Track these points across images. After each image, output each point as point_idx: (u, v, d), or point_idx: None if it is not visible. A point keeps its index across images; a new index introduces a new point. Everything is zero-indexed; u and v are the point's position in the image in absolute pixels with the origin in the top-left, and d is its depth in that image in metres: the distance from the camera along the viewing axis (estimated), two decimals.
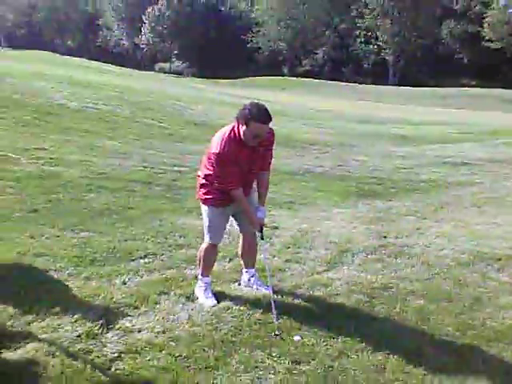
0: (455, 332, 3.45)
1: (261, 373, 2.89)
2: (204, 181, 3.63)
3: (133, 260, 4.36)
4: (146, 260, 4.38)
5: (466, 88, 49.90)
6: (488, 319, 3.63)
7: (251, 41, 68.46)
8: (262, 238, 3.72)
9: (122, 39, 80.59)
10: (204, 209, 3.71)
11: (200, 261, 3.79)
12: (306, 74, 62.23)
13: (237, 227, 3.93)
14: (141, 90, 16.95)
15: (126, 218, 5.47)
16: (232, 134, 3.41)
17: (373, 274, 4.36)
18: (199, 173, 3.72)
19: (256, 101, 3.54)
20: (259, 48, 69.52)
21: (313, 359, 3.05)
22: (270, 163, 3.71)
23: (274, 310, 3.42)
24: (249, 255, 3.91)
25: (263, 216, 3.68)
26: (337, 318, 3.53)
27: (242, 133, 3.37)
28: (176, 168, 8.18)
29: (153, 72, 62.26)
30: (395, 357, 3.08)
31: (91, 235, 4.82)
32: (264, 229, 3.73)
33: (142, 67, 65.11)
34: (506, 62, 57.23)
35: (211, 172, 3.53)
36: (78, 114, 10.73)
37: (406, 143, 14.68)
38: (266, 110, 3.35)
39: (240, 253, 3.96)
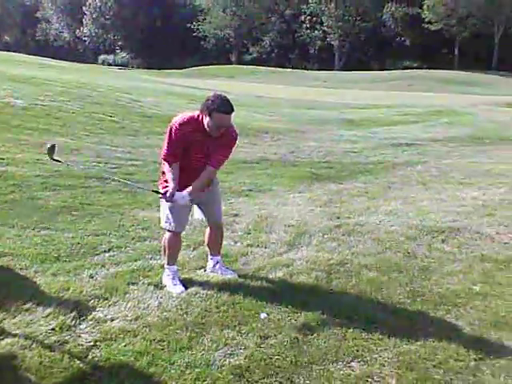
0: (406, 299, 3.77)
1: (232, 349, 3.09)
2: (163, 169, 3.77)
3: (97, 254, 4.44)
4: (111, 253, 4.48)
5: (409, 70, 51.48)
6: (434, 286, 3.97)
7: (197, 29, 67.81)
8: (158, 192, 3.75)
9: (62, 32, 77.93)
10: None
11: (165, 250, 3.92)
12: (253, 62, 62.44)
13: (204, 218, 4.05)
14: (87, 84, 16.59)
15: (85, 214, 5.51)
16: (195, 116, 3.57)
17: (329, 252, 4.64)
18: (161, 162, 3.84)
19: (218, 92, 3.69)
20: (206, 36, 69.00)
21: (279, 333, 3.27)
22: (219, 161, 3.70)
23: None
24: (215, 243, 4.08)
25: (177, 199, 3.60)
26: (299, 295, 3.78)
27: (205, 124, 3.52)
28: (130, 162, 8.19)
29: (96, 64, 60.73)
30: (354, 325, 3.35)
31: (53, 233, 4.85)
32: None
33: (86, 60, 63.31)
34: (445, 43, 59.41)
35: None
36: (24, 111, 10.45)
37: (353, 127, 15.15)
38: (227, 100, 3.52)
39: (206, 241, 4.11)
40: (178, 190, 3.62)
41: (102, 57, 72.64)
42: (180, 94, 19.41)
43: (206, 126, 3.54)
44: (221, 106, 3.49)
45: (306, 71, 53.47)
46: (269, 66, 55.44)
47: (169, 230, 3.86)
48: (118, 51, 74.71)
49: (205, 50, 69.43)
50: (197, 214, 4.02)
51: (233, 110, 3.56)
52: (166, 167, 3.68)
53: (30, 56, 35.62)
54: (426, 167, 8.95)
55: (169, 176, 3.64)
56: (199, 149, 3.64)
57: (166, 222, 3.84)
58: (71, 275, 3.97)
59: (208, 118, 3.51)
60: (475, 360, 2.98)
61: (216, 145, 3.64)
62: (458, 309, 3.61)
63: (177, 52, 68.43)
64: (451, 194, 6.89)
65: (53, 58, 42.95)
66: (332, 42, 63.74)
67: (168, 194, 3.60)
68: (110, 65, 66.03)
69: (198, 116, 3.59)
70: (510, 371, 2.89)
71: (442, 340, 3.16)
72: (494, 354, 3.03)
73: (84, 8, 70.65)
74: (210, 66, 53.14)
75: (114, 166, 7.77)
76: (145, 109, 13.41)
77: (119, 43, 75.23)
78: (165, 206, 3.81)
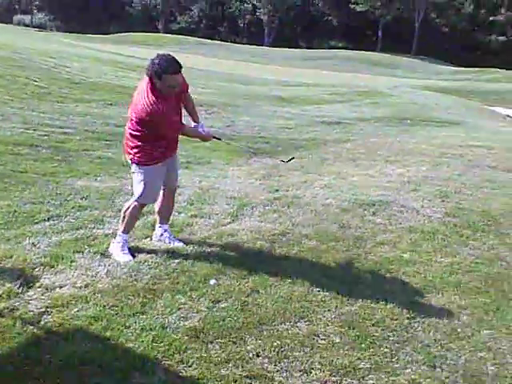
0: (344, 266, 4.06)
1: (185, 312, 3.20)
2: (138, 142, 3.68)
3: (37, 223, 4.33)
4: (51, 222, 4.38)
5: (336, 50, 52.71)
6: (369, 254, 4.29)
7: None
8: (220, 139, 4.36)
9: None
10: (140, 170, 3.76)
11: (124, 218, 3.87)
12: (181, 31, 60.89)
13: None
14: (7, 46, 15.50)
15: (19, 181, 5.29)
16: (150, 90, 3.52)
17: (271, 223, 4.83)
18: (129, 134, 3.73)
19: (161, 53, 3.62)
20: (131, 1, 66.22)
21: (230, 297, 3.42)
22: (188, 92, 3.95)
23: None
24: (166, 212, 4.12)
25: (207, 129, 4.05)
26: (245, 262, 3.93)
27: (158, 87, 3.50)
28: (60, 129, 7.87)
29: (12, 25, 56.48)
30: (298, 289, 3.57)
31: None
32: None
33: None
34: (369, 25, 61.34)
35: (145, 132, 3.62)
36: None
37: (285, 104, 15.40)
38: (174, 59, 3.49)
39: (157, 209, 4.13)
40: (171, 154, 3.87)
41: (17, 17, 67.63)
42: (107, 60, 18.65)
43: (158, 89, 3.52)
44: (169, 67, 3.47)
45: (235, 44, 53.08)
46: (197, 37, 54.38)
47: (137, 201, 3.83)
48: (35, 12, 69.84)
49: (130, 17, 66.71)
50: None
51: (181, 68, 3.55)
52: (183, 130, 3.78)
53: None
54: (354, 145, 9.38)
55: (195, 130, 3.92)
56: (175, 105, 3.69)
57: (141, 196, 3.81)
58: (12, 243, 3.87)
59: (159, 82, 3.49)
60: (408, 319, 3.30)
61: (181, 95, 3.77)
62: (391, 274, 3.94)
63: (99, 16, 65.12)
64: (379, 171, 7.32)
65: None
66: (261, 17, 63.66)
67: (210, 137, 4.04)
68: (26, 26, 61.64)
69: (148, 88, 3.53)
70: (438, 328, 3.24)
71: (378, 302, 3.45)
72: (424, 314, 3.37)
73: None
74: (137, 34, 51.19)
75: (43, 133, 7.43)
76: (71, 74, 12.80)
77: (36, 3, 70.33)
78: (140, 177, 3.77)
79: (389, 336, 3.11)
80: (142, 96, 3.55)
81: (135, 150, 3.73)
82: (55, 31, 57.95)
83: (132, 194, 4.02)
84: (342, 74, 35.67)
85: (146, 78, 3.58)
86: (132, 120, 3.68)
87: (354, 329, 3.14)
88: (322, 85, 23.49)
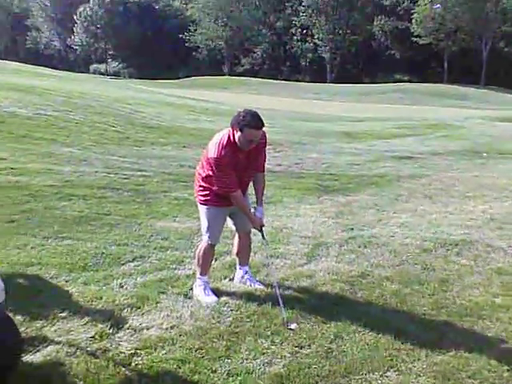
0: (431, 311, 3.87)
1: (269, 358, 3.16)
2: (203, 183, 3.83)
3: (123, 264, 4.51)
4: (136, 263, 4.54)
5: (400, 84, 52.18)
6: (457, 298, 4.08)
7: (189, 40, 68.12)
8: (263, 237, 3.96)
9: (53, 40, 77.81)
10: (203, 209, 3.90)
11: (198, 260, 3.98)
12: (245, 73, 62.84)
13: (232, 226, 4.16)
14: (86, 94, 16.66)
15: (104, 224, 5.56)
16: (228, 139, 3.64)
17: (349, 264, 4.74)
18: (198, 174, 3.90)
19: (248, 108, 3.77)
20: (197, 47, 69.35)
21: (312, 343, 3.35)
22: (264, 164, 3.98)
23: (281, 304, 3.65)
24: (244, 253, 4.17)
25: (261, 216, 3.94)
26: (325, 305, 3.86)
27: (237, 139, 3.62)
28: (139, 173, 8.26)
29: (88, 74, 60.68)
30: (384, 336, 3.44)
31: (75, 242, 4.90)
32: (264, 228, 3.97)
33: (77, 69, 63.25)
34: (434, 57, 60.39)
35: (210, 174, 3.73)
36: (29, 121, 10.49)
37: (351, 139, 15.36)
38: (258, 116, 3.61)
39: (235, 251, 4.20)
40: (224, 204, 3.82)
41: (93, 66, 72.63)
42: (178, 104, 19.52)
43: (236, 141, 3.63)
44: (252, 121, 3.58)
45: (297, 83, 53.91)
46: (261, 78, 55.81)
47: (206, 242, 3.94)
48: (109, 61, 74.72)
49: (197, 61, 69.77)
50: (228, 223, 4.11)
51: (263, 125, 3.65)
52: (235, 196, 3.71)
53: (24, 64, 35.52)
54: (429, 180, 9.12)
55: (244, 205, 3.82)
56: (245, 164, 3.75)
57: (205, 234, 3.93)
58: (101, 284, 4.03)
59: (239, 133, 3.60)
60: (508, 371, 3.07)
61: (256, 152, 3.77)
62: (483, 320, 3.71)
63: (169, 62, 68.62)
64: (458, 207, 7.05)
65: (44, 66, 42.88)
66: (323, 55, 64.46)
67: (260, 229, 3.89)
68: (102, 74, 66.04)
69: (228, 136, 3.65)
70: None
71: (472, 351, 3.26)
72: None
73: (75, 17, 70.65)
74: (203, 77, 53.40)
75: (123, 176, 7.83)
76: (147, 119, 13.49)
77: (110, 53, 75.29)
78: (203, 217, 3.90)
79: None
80: (217, 144, 3.65)
81: (199, 189, 3.88)
82: (128, 78, 61.58)
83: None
84: (409, 107, 35.13)
85: (228, 129, 3.69)
86: (201, 160, 3.85)
87: (448, 380, 2.97)
88: (388, 119, 23.24)
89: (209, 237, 3.92)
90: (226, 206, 3.84)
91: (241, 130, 3.58)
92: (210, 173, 3.72)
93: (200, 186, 3.88)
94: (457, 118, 22.82)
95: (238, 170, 3.71)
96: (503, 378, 3.01)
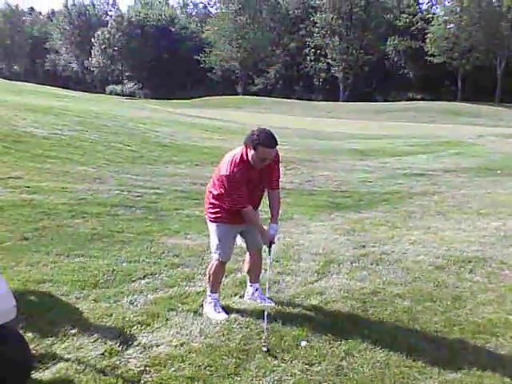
0: (443, 328, 3.82)
1: (279, 376, 3.14)
2: (214, 200, 3.85)
3: (134, 281, 4.52)
4: (147, 280, 4.56)
5: (413, 102, 52.13)
6: (470, 315, 4.02)
7: (204, 61, 69.09)
8: (269, 253, 3.96)
9: (71, 62, 79.49)
10: (213, 227, 3.92)
11: (209, 278, 3.98)
12: (259, 93, 63.37)
13: (243, 243, 4.16)
14: (102, 114, 16.94)
15: (116, 241, 5.61)
16: (241, 157, 3.67)
17: (361, 281, 4.70)
18: (209, 192, 3.92)
19: (262, 127, 3.78)
20: (212, 68, 70.25)
21: (323, 360, 3.32)
22: (278, 181, 3.99)
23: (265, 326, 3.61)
24: (254, 271, 4.16)
25: (274, 232, 3.94)
26: (336, 323, 3.83)
27: (250, 157, 3.64)
28: (152, 190, 8.34)
29: (105, 95, 61.70)
30: (395, 353, 3.40)
31: (87, 260, 4.94)
32: (273, 245, 3.97)
33: (93, 90, 64.39)
34: (447, 76, 60.32)
35: (222, 192, 3.76)
36: (45, 140, 10.69)
37: (363, 157, 15.33)
38: (271, 134, 3.64)
39: (246, 268, 4.20)
40: (235, 222, 3.83)
41: (110, 87, 73.83)
42: (192, 123, 19.73)
43: (250, 159, 3.66)
44: (265, 139, 3.61)
45: (310, 102, 54.14)
46: (274, 97, 56.19)
47: (217, 259, 3.94)
48: (125, 82, 75.99)
49: (211, 82, 70.59)
50: (238, 240, 4.12)
51: (277, 144, 3.68)
52: (246, 212, 3.74)
53: (43, 86, 36.30)
54: (442, 197, 9.05)
55: (256, 220, 3.85)
56: (257, 181, 3.78)
57: (215, 252, 3.93)
58: (111, 301, 4.05)
59: (253, 152, 3.62)
60: None
61: (269, 169, 3.79)
62: (496, 338, 3.65)
63: (183, 83, 69.56)
64: (471, 224, 6.97)
65: (62, 87, 43.76)
66: (336, 74, 64.77)
67: (269, 245, 3.89)
68: (117, 95, 67.08)
69: (240, 154, 3.68)
70: None
71: (485, 369, 3.20)
72: None
73: (93, 39, 72.24)
74: (217, 97, 53.94)
75: (137, 194, 7.91)
76: (160, 138, 13.65)
77: (126, 74, 76.59)
78: (213, 235, 3.91)
79: None
80: (229, 161, 3.67)
81: (209, 207, 3.89)
82: (144, 98, 62.50)
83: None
84: (422, 124, 35.03)
85: (241, 148, 3.73)
86: (212, 179, 3.87)
87: None
88: (400, 136, 23.19)
89: (219, 254, 3.92)
90: (237, 223, 3.86)
91: (254, 149, 3.60)
92: (222, 190, 3.74)
93: (210, 203, 3.90)
94: (470, 136, 22.67)
95: (250, 187, 3.74)
96: None
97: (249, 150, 3.64)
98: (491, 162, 14.10)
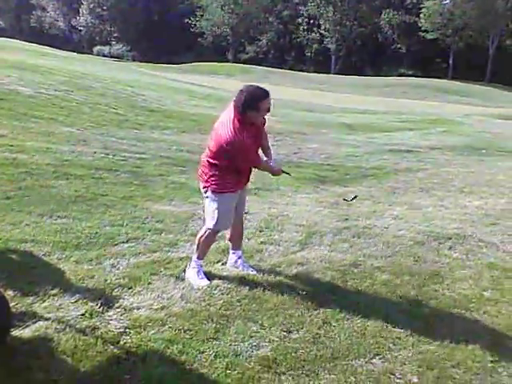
0: (420, 301, 3.91)
1: (258, 341, 3.20)
2: (216, 171, 3.77)
3: (116, 244, 4.52)
4: (130, 244, 4.55)
5: (404, 77, 51.93)
6: (446, 290, 4.12)
7: (195, 25, 67.67)
8: (289, 174, 4.32)
9: (57, 20, 77.23)
10: (217, 198, 3.82)
11: (199, 245, 3.97)
12: (249, 61, 62.46)
13: None
14: (89, 75, 16.58)
15: (99, 204, 5.57)
16: (237, 120, 3.61)
17: (342, 253, 4.76)
18: (208, 163, 3.80)
19: (246, 85, 3.71)
20: (203, 33, 68.88)
21: (301, 328, 3.39)
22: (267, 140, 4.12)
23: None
24: (237, 238, 4.18)
25: (276, 164, 4.12)
26: (316, 293, 3.89)
27: (250, 118, 3.59)
28: (138, 155, 8.25)
29: (91, 55, 60.32)
30: (372, 324, 3.47)
31: (70, 221, 4.91)
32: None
33: (80, 50, 62.84)
34: (440, 53, 60.04)
35: (224, 162, 3.71)
36: (30, 99, 10.44)
37: (352, 131, 15.32)
38: (258, 87, 3.65)
39: (228, 236, 4.21)
40: (245, 184, 4.04)
41: (97, 48, 72.11)
42: (180, 89, 19.45)
43: (253, 120, 3.63)
44: (260, 93, 3.58)
45: (301, 73, 53.61)
46: (265, 67, 55.47)
47: (213, 229, 3.92)
48: (113, 43, 74.24)
49: (201, 47, 69.30)
50: None
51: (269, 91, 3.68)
52: (260, 165, 3.90)
53: (27, 43, 35.32)
54: (426, 174, 9.13)
55: (266, 166, 3.98)
56: (257, 138, 3.79)
57: (215, 223, 3.88)
58: (93, 264, 4.05)
59: (254, 112, 3.57)
60: (491, 362, 3.11)
61: (262, 128, 3.86)
62: (470, 313, 3.75)
63: (173, 47, 68.18)
64: (454, 202, 7.06)
65: (48, 45, 42.58)
66: (329, 46, 64.04)
67: (278, 172, 4.10)
68: (105, 56, 65.60)
69: (234, 120, 3.61)
70: None
71: (458, 342, 3.29)
72: (509, 358, 3.17)
73: None
74: (207, 63, 53.05)
75: (121, 158, 7.82)
76: (147, 102, 13.45)
77: (115, 35, 74.78)
78: (216, 206, 3.84)
79: (471, 379, 2.95)
80: (226, 126, 3.63)
81: (212, 179, 3.81)
82: (132, 61, 61.26)
83: (204, 220, 4.11)
84: (411, 101, 35.02)
85: (231, 109, 3.68)
86: (212, 149, 3.76)
87: (432, 370, 3.00)
88: (390, 112, 23.18)
89: (219, 224, 3.89)
90: (239, 189, 3.93)
91: (256, 109, 3.56)
92: (230, 158, 3.68)
93: (213, 175, 3.79)
94: (458, 114, 22.76)
95: (253, 145, 3.75)
96: (487, 368, 3.05)
97: (249, 114, 3.57)
98: (477, 141, 14.20)
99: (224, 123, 3.68)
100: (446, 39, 58.03)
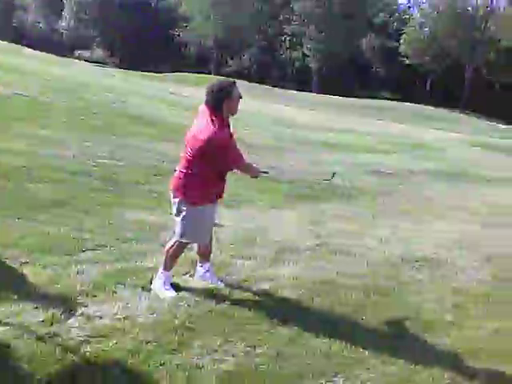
0: (386, 323, 3.90)
1: (221, 355, 3.16)
2: (195, 182, 3.68)
3: (84, 251, 4.45)
4: (98, 251, 4.49)
5: (383, 100, 52.82)
6: (412, 312, 4.12)
7: (178, 35, 67.73)
8: (267, 172, 4.20)
9: (39, 22, 76.43)
10: (193, 212, 3.73)
11: (167, 256, 3.91)
12: (232, 75, 62.72)
13: None
14: (69, 78, 16.43)
15: (72, 209, 5.51)
16: (215, 120, 3.60)
17: (313, 270, 4.76)
18: (184, 173, 3.72)
19: (213, 81, 3.76)
20: (186, 44, 68.98)
21: (265, 344, 3.36)
22: None
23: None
24: (205, 251, 4.14)
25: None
26: (283, 309, 3.88)
27: (227, 109, 3.61)
28: (114, 162, 8.17)
29: (71, 59, 59.76)
30: (337, 343, 3.44)
31: (40, 225, 4.83)
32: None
33: (61, 53, 62.21)
34: (418, 78, 61.43)
35: (205, 169, 3.66)
36: (7, 100, 10.29)
37: (332, 150, 15.45)
38: (223, 79, 3.78)
39: (197, 248, 4.17)
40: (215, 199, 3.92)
41: (78, 51, 71.46)
42: (161, 98, 19.38)
43: (229, 113, 3.64)
44: (228, 83, 3.66)
45: (284, 90, 54.06)
46: (247, 81, 55.75)
47: (184, 242, 3.88)
48: (94, 47, 73.73)
49: (183, 58, 69.35)
50: None
51: None
52: (244, 164, 3.83)
53: (7, 43, 34.80)
54: (403, 197, 9.24)
55: (250, 166, 3.93)
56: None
57: (189, 236, 3.83)
58: (59, 269, 3.98)
59: (229, 100, 3.59)
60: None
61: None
62: (434, 336, 3.76)
63: (154, 56, 67.98)
64: (429, 227, 7.11)
65: (28, 46, 42.00)
66: (310, 65, 64.86)
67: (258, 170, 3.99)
68: (86, 60, 65.06)
69: (212, 121, 3.59)
70: None
71: (418, 364, 3.30)
72: (467, 380, 3.20)
73: (64, 1, 69.56)
74: (191, 74, 52.97)
75: (97, 164, 7.74)
76: (127, 110, 13.36)
77: (97, 39, 74.29)
78: (192, 220, 3.77)
79: None
80: (205, 127, 3.59)
81: (191, 191, 3.70)
82: (113, 67, 60.87)
83: (174, 232, 4.01)
84: (389, 124, 35.57)
85: (204, 112, 3.67)
86: (189, 157, 3.68)
87: None
88: (369, 133, 23.49)
89: (195, 236, 3.87)
90: (215, 201, 3.89)
91: (229, 96, 3.59)
92: (211, 162, 3.64)
93: (191, 187, 3.70)
94: (435, 139, 23.21)
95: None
96: None
97: (225, 106, 3.58)
98: (453, 166, 14.48)
99: (201, 126, 3.64)
100: (424, 65, 59.45)
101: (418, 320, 4.01)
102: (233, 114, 3.71)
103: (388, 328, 3.85)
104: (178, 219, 3.82)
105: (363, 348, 3.43)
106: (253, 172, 4.00)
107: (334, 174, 4.84)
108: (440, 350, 3.58)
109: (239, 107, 3.73)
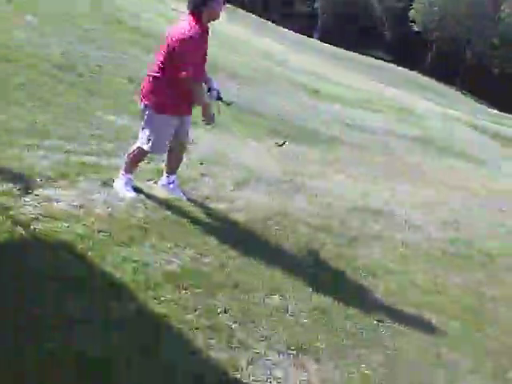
0: (331, 259, 4.03)
1: (169, 257, 3.27)
2: (158, 87, 3.66)
3: (51, 139, 4.43)
4: (64, 142, 4.48)
5: (381, 61, 52.00)
6: (357, 254, 4.28)
7: None
8: (229, 104, 4.10)
9: None
10: (154, 118, 3.72)
11: (128, 161, 3.92)
12: (235, 4, 60.36)
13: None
14: None
15: (51, 101, 5.42)
16: (188, 25, 3.54)
17: (273, 200, 4.86)
18: (152, 77, 3.69)
19: None
20: None
21: (213, 254, 3.48)
22: None
23: None
24: (174, 163, 4.16)
25: (218, 86, 3.96)
26: (236, 231, 4.01)
27: (208, 14, 3.55)
28: (98, 68, 7.91)
29: None
30: (278, 266, 3.56)
31: (21, 110, 4.76)
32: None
33: None
34: (421, 46, 60.49)
35: (169, 72, 3.59)
36: None
37: (318, 97, 15.27)
38: None
39: (167, 160, 4.17)
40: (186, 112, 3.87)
41: None
42: (161, 13, 18.60)
43: (210, 18, 3.58)
44: None
45: (286, 30, 52.50)
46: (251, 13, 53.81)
47: (145, 149, 3.84)
48: None
49: None
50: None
51: None
52: (190, 82, 3.61)
53: None
54: (376, 153, 9.29)
55: (202, 94, 3.76)
56: (204, 52, 3.73)
57: (150, 145, 3.79)
58: (25, 150, 3.99)
59: (214, 3, 3.53)
60: (377, 321, 3.33)
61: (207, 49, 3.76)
62: (373, 278, 3.94)
63: None
64: (394, 186, 7.15)
65: None
66: (317, 11, 62.88)
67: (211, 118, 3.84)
68: None
69: (190, 24, 3.54)
70: (405, 335, 3.28)
71: (355, 299, 3.49)
72: (394, 320, 3.40)
73: None
74: None
75: (80, 56, 7.50)
76: (122, 17, 12.83)
77: None
78: (151, 126, 3.75)
79: (358, 331, 3.15)
80: (182, 26, 3.56)
81: (152, 95, 3.69)
82: None
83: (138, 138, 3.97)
84: (383, 85, 35.21)
85: (185, 19, 3.61)
86: (159, 58, 3.64)
87: (324, 314, 3.19)
88: (360, 90, 23.23)
89: (150, 147, 3.80)
90: (178, 113, 3.80)
91: (207, 4, 3.52)
92: (167, 72, 3.59)
93: (153, 91, 3.68)
94: (424, 109, 23.17)
95: (200, 58, 3.70)
96: (371, 325, 3.28)
97: (205, 11, 3.53)
98: (432, 137, 14.56)
99: (177, 27, 3.62)
100: (430, 36, 58.38)
101: (363, 263, 4.16)
102: (214, 19, 3.64)
103: (332, 265, 3.95)
104: (143, 126, 3.82)
105: (305, 277, 3.57)
106: (197, 100, 3.76)
107: (285, 141, 5.03)
108: (378, 292, 3.74)
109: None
